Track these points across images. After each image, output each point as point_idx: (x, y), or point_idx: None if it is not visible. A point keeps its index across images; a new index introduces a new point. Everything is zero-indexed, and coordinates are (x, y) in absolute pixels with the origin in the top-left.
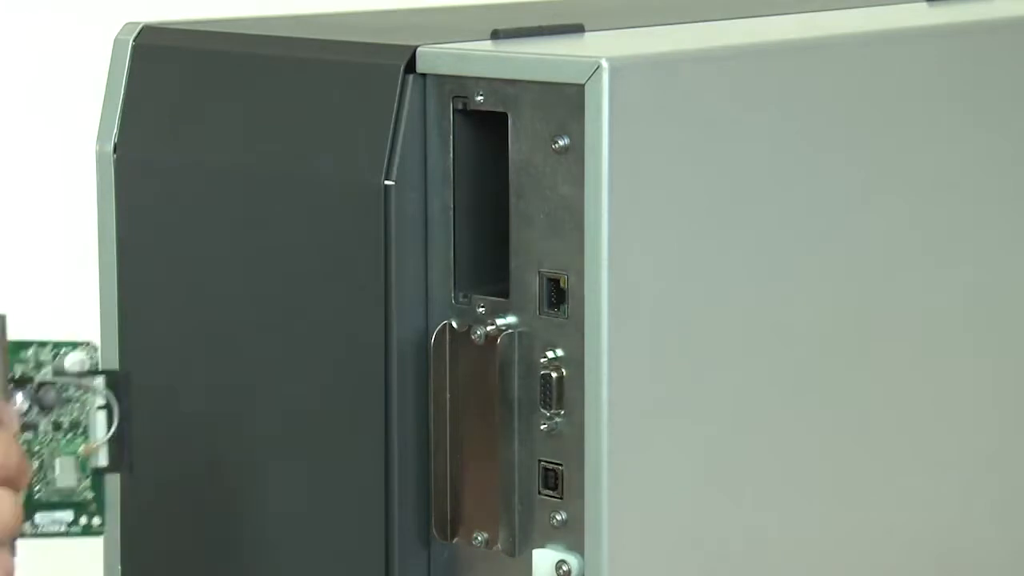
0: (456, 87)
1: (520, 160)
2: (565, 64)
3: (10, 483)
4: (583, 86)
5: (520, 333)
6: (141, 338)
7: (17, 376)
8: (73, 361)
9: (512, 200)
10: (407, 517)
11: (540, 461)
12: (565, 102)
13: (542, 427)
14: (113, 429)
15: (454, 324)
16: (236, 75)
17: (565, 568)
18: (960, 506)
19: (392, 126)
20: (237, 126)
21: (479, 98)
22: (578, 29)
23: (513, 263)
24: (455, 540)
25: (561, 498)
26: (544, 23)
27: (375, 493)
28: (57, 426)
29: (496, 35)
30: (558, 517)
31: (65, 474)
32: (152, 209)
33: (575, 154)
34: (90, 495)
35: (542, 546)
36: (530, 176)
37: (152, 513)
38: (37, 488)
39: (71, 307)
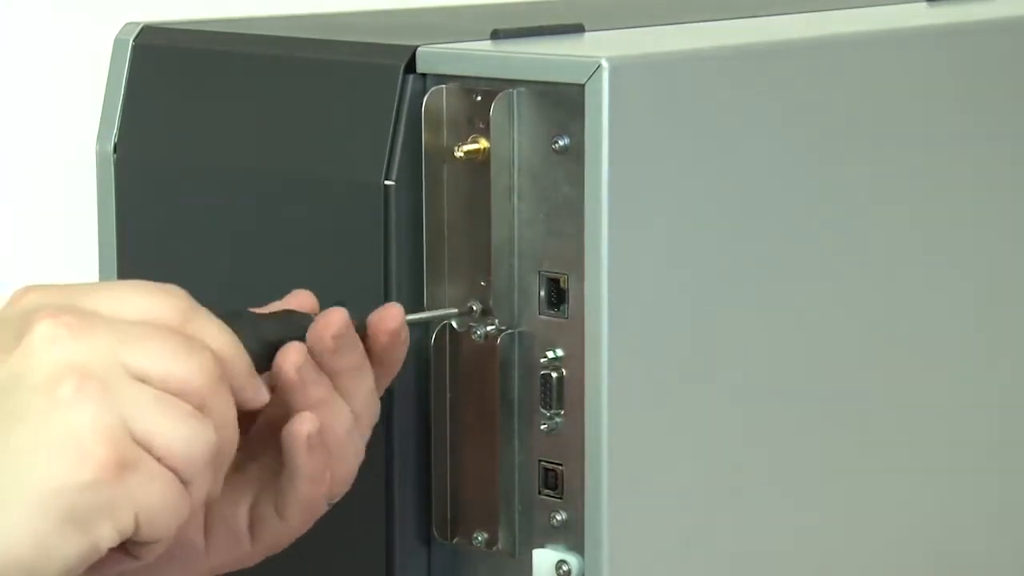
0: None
1: (520, 160)
2: (565, 64)
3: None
4: (583, 86)
5: (520, 333)
6: None
7: None
8: None
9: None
10: (407, 517)
11: (540, 461)
12: (565, 102)
13: (542, 427)
14: None
15: (454, 324)
16: (236, 75)
17: (565, 568)
18: (962, 507)
19: (392, 126)
20: (237, 126)
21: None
22: (578, 29)
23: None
24: (455, 540)
25: (561, 498)
26: (544, 23)
27: (375, 493)
28: None
29: (496, 35)
30: (558, 517)
31: None
32: (152, 209)
33: (575, 154)
34: None
35: (542, 546)
36: (530, 176)
37: None
38: None
39: None
